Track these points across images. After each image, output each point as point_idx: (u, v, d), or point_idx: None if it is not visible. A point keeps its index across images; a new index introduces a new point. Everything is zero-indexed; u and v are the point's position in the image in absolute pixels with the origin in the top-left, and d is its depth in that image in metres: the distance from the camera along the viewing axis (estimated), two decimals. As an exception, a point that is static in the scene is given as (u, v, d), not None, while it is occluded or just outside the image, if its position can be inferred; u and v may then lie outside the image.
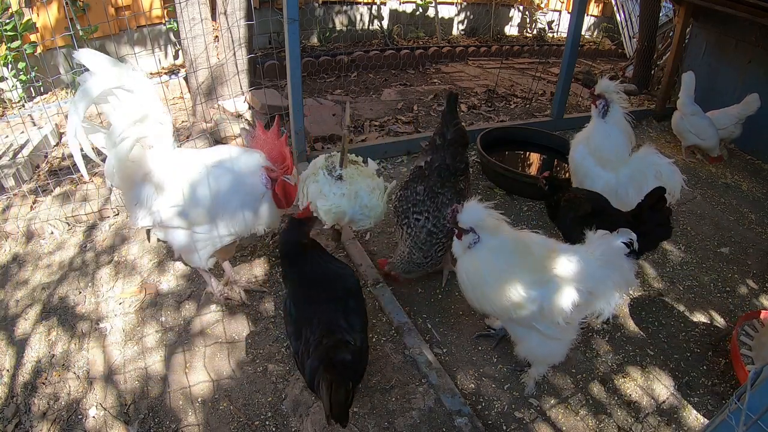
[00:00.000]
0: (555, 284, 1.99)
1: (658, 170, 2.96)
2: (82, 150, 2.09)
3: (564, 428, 2.20)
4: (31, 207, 3.46)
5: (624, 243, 1.99)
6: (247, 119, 4.62)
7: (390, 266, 2.67)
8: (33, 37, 4.96)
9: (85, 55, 1.98)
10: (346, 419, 1.75)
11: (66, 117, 2.03)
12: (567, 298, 1.97)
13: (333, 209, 2.54)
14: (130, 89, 2.08)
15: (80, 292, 2.83)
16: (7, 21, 4.64)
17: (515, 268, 2.02)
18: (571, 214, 2.71)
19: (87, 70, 2.01)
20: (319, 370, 1.76)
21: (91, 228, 3.30)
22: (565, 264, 2.01)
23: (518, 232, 2.13)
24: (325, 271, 2.07)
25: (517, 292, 1.99)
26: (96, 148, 2.17)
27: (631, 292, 2.07)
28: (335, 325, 1.91)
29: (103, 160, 2.22)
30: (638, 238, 2.02)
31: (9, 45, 4.64)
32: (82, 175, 2.20)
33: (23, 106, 4.91)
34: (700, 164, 4.63)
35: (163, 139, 2.26)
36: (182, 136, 4.24)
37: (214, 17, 5.08)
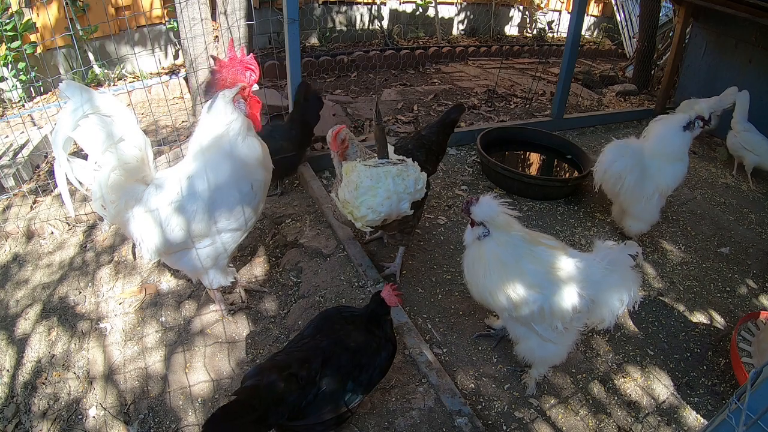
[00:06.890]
0: (558, 287, 1.99)
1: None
2: (69, 184, 2.02)
3: (564, 428, 2.20)
4: (31, 207, 3.46)
5: (630, 255, 2.04)
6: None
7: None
8: (33, 37, 4.96)
9: (64, 87, 1.93)
10: None
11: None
12: (568, 302, 1.98)
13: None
14: (109, 114, 2.01)
15: (80, 292, 2.82)
16: (7, 21, 4.64)
17: (520, 267, 2.02)
18: None
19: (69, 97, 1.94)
20: None
21: (91, 228, 3.30)
22: (572, 269, 2.01)
23: (530, 233, 2.13)
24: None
25: (518, 291, 1.99)
26: (80, 181, 2.08)
27: (633, 305, 2.08)
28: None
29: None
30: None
31: (9, 45, 4.65)
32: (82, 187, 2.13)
33: (23, 106, 4.91)
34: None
35: (145, 162, 2.20)
36: (182, 135, 4.24)
37: (214, 17, 5.09)
